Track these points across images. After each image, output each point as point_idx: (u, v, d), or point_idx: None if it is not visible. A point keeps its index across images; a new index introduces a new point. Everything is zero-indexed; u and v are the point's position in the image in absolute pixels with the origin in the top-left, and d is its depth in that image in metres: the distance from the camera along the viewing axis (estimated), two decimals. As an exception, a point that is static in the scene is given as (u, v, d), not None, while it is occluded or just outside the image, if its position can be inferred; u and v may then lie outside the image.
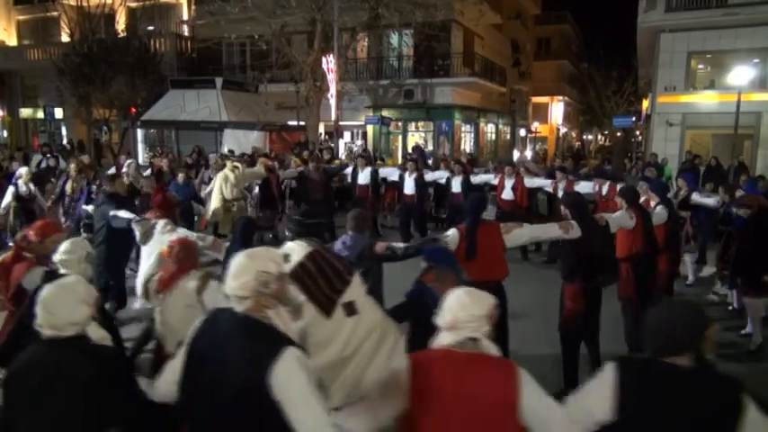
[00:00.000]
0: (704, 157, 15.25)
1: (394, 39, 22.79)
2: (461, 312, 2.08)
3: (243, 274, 1.99)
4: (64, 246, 3.42)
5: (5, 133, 28.69)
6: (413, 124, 23.81)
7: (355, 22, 19.02)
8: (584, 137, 48.75)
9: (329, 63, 18.00)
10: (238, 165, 9.57)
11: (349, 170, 11.00)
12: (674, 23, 18.02)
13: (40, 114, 26.16)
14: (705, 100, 18.31)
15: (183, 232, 4.83)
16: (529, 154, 27.58)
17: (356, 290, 2.97)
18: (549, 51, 41.16)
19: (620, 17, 62.34)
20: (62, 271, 3.27)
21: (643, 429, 1.93)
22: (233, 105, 18.99)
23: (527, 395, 2.01)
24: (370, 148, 21.12)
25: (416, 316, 3.23)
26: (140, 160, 17.59)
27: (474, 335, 2.08)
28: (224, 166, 9.55)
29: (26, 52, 27.56)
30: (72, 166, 9.16)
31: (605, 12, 77.93)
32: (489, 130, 27.76)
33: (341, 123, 20.08)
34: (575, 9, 51.16)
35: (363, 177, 10.60)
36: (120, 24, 25.01)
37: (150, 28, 25.38)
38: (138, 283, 4.76)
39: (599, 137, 50.13)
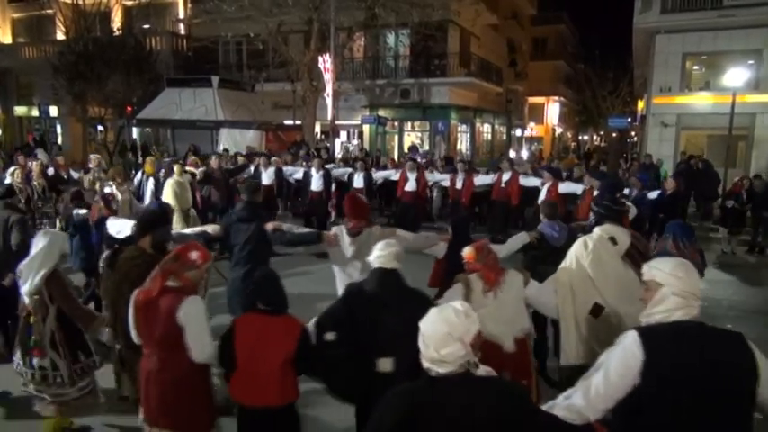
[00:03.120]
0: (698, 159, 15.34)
1: (390, 38, 22.80)
2: None
3: (696, 280, 2.18)
4: (379, 245, 3.23)
5: (0, 131, 28.56)
6: (409, 124, 23.83)
7: (352, 21, 19.03)
8: (580, 137, 48.86)
9: (326, 62, 17.99)
10: (188, 168, 9.38)
11: (250, 170, 11.32)
12: (669, 25, 18.09)
13: (35, 112, 26.06)
14: (700, 101, 18.38)
15: (402, 233, 4.39)
16: (525, 154, 27.63)
17: None
18: (545, 51, 41.24)
19: (616, 18, 62.60)
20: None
21: None
22: (229, 104, 18.94)
23: None
24: (366, 147, 21.13)
25: None
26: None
27: None
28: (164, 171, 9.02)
29: (21, 50, 27.42)
30: None
31: (601, 12, 78.03)
32: (485, 130, 27.79)
33: (337, 123, 20.09)
34: (570, 9, 51.24)
35: (267, 177, 10.95)
36: (116, 22, 24.93)
37: (146, 26, 25.28)
38: None
39: (594, 137, 50.26)
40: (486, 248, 3.63)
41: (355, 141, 23.66)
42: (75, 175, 10.74)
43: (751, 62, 17.40)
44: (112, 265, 3.71)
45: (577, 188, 9.23)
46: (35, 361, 3.69)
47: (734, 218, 10.48)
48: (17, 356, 3.82)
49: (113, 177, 8.14)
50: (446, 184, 10.97)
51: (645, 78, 23.25)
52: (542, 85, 38.35)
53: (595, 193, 8.30)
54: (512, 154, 25.84)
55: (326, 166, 11.38)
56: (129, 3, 26.31)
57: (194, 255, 2.98)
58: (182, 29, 25.99)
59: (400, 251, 3.20)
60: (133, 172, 11.88)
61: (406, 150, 19.81)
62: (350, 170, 11.16)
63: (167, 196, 8.15)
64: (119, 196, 7.53)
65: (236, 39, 22.98)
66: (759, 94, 17.18)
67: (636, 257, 3.46)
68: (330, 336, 3.10)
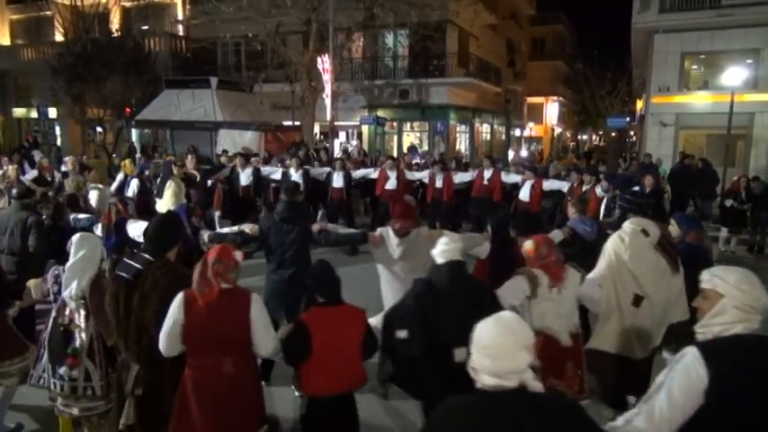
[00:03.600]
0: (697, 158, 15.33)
1: (389, 39, 22.80)
2: None
3: (759, 293, 2.09)
4: (444, 239, 3.30)
5: (-1, 133, 28.59)
6: (408, 124, 23.84)
7: (350, 21, 19.01)
8: (579, 137, 48.88)
9: (324, 63, 17.97)
10: (188, 170, 9.31)
11: (227, 171, 11.14)
12: (667, 24, 18.11)
13: (34, 114, 26.05)
14: (698, 100, 18.40)
15: (448, 233, 4.33)
16: (524, 153, 27.65)
17: None
18: (544, 52, 41.29)
19: (615, 18, 62.56)
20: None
21: None
22: (228, 105, 18.92)
23: None
24: (365, 148, 21.13)
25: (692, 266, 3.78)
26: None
27: None
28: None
29: (20, 52, 27.39)
30: None
31: (599, 12, 78.16)
32: (484, 130, 27.80)
33: (336, 123, 20.06)
34: (569, 9, 51.35)
35: (245, 178, 10.81)
36: (115, 24, 24.94)
37: (145, 27, 25.29)
38: None
39: (593, 137, 50.28)
40: (546, 246, 3.63)
41: (354, 142, 23.65)
42: (58, 176, 10.38)
43: (749, 61, 17.44)
44: (132, 285, 3.30)
45: (562, 185, 9.26)
46: (64, 370, 3.50)
47: (734, 217, 10.49)
48: (39, 369, 3.66)
49: (99, 180, 8.01)
50: (425, 181, 10.98)
51: (643, 78, 23.27)
52: (541, 85, 38.40)
53: (585, 188, 8.55)
54: (511, 154, 25.91)
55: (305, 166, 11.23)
56: (128, 4, 26.30)
57: (238, 256, 2.96)
58: (180, 30, 25.99)
59: (464, 246, 3.35)
60: (122, 174, 11.80)
61: (405, 151, 19.79)
62: (328, 169, 11.02)
63: (168, 197, 8.07)
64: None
65: (234, 40, 22.97)
66: (757, 94, 17.21)
67: (667, 247, 3.66)
68: (402, 334, 3.10)
